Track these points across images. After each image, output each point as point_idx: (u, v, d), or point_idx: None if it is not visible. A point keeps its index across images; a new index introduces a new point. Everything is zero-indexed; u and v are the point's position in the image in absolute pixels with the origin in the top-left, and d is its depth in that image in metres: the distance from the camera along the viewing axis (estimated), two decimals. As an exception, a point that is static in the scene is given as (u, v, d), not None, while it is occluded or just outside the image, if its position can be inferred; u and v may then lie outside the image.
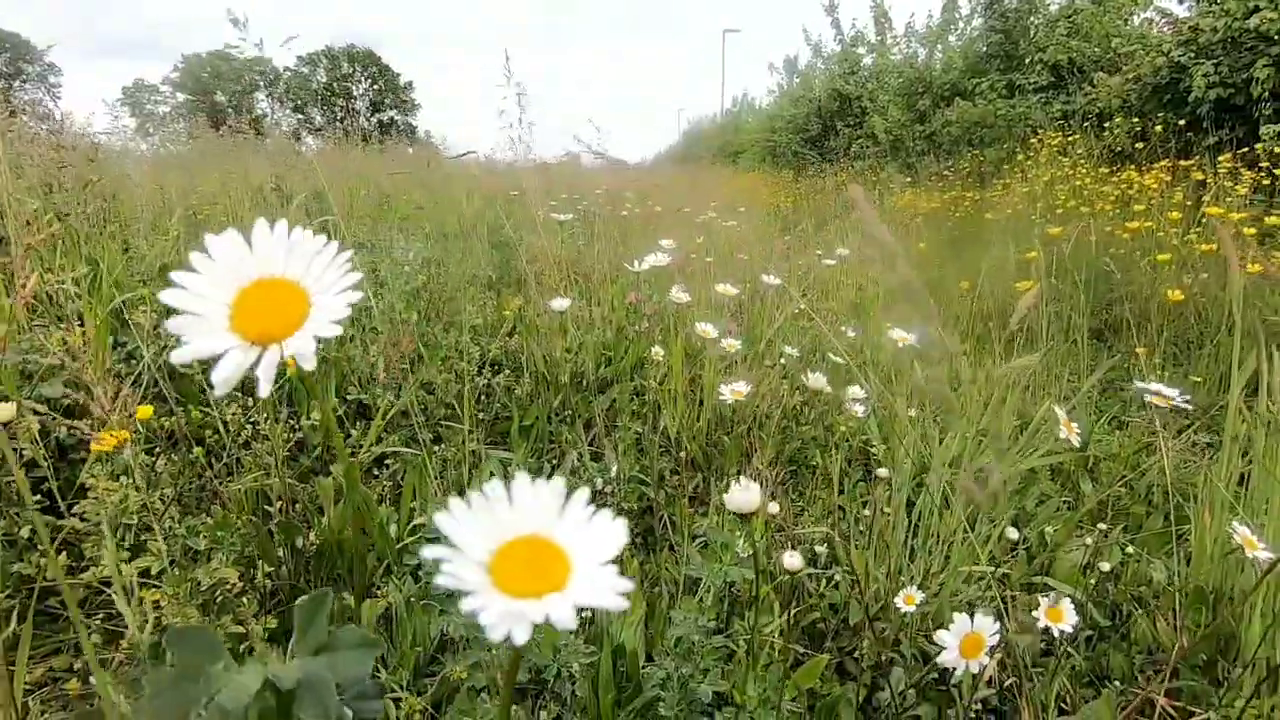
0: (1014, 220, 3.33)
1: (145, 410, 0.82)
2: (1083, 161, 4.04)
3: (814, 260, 2.79)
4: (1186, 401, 0.71)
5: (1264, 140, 3.35)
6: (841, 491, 1.37)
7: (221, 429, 1.18)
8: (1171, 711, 0.94)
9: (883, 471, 0.93)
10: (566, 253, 2.66)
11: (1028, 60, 6.33)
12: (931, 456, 1.26)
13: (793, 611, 0.92)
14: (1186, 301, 1.87)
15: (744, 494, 0.48)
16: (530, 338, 1.90)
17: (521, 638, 0.20)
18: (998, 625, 0.57)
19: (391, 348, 1.34)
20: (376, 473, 1.31)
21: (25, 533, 0.89)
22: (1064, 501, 1.55)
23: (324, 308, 0.27)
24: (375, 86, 33.36)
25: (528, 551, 0.24)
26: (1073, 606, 0.64)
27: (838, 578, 1.05)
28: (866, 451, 1.56)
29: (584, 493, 0.25)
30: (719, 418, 1.63)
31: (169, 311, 0.27)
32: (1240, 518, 0.93)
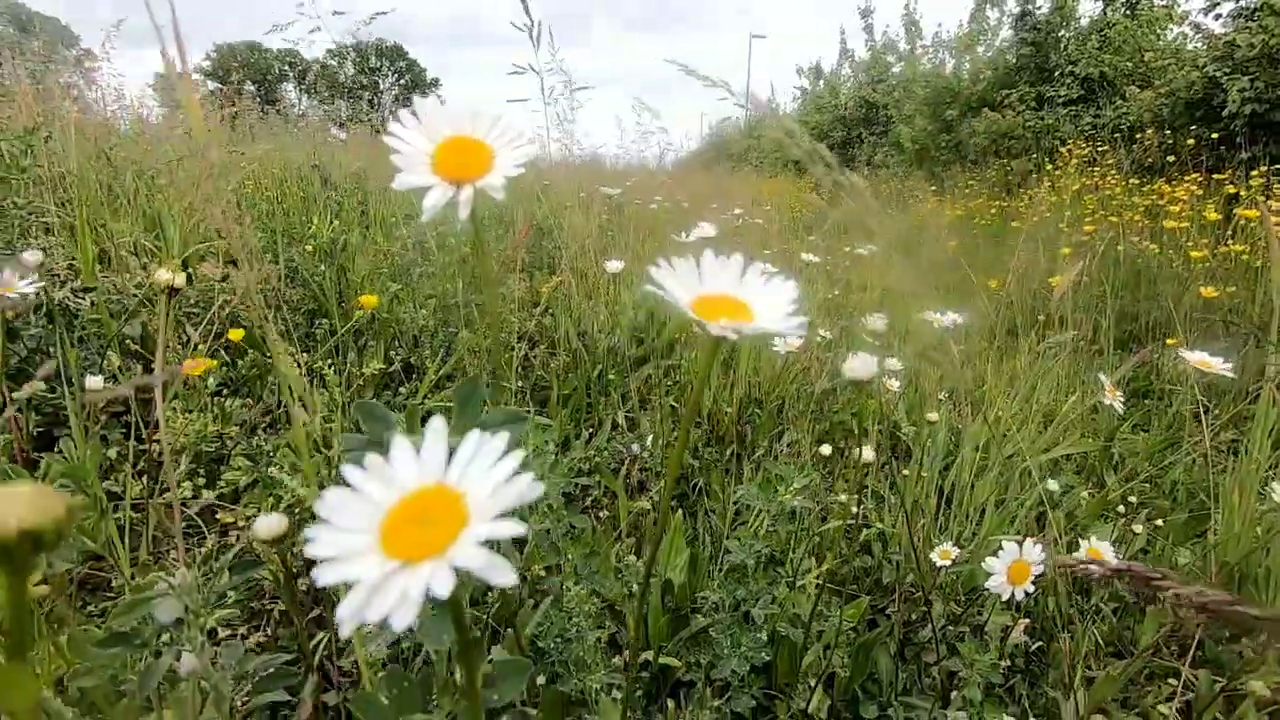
0: (1040, 227, 3.34)
1: (237, 333, 0.88)
2: (1112, 172, 4.04)
3: (842, 256, 2.82)
4: (1230, 369, 0.74)
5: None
6: (874, 472, 1.41)
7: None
8: (1191, 677, 0.97)
9: (931, 416, 0.96)
10: (599, 242, 2.71)
11: (1058, 73, 6.32)
12: (960, 439, 1.29)
13: (830, 562, 0.96)
14: (1215, 308, 1.89)
15: (861, 362, 0.52)
16: (566, 314, 1.95)
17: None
18: (1044, 556, 0.60)
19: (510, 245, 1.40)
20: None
21: (113, 453, 0.95)
22: (1089, 493, 1.58)
23: (506, 158, 0.32)
24: (402, 81, 33.71)
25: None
26: (1110, 549, 0.67)
27: (871, 541, 1.09)
28: (895, 435, 1.59)
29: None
30: (750, 398, 1.67)
31: (390, 151, 0.32)
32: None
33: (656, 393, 1.65)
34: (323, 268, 1.50)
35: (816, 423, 1.63)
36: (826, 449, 0.62)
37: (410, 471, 0.25)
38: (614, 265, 1.23)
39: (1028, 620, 1.08)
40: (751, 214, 3.89)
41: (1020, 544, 0.60)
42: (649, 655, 0.78)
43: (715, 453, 1.49)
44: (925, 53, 8.68)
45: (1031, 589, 0.61)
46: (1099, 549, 0.67)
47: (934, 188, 6.64)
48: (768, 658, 0.62)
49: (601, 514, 1.19)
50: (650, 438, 1.43)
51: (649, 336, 2.00)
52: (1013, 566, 0.60)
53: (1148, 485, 1.64)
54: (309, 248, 1.64)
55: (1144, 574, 0.30)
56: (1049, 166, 4.90)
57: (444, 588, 0.20)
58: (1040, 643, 1.03)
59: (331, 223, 1.81)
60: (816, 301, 1.92)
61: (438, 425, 0.26)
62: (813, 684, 0.77)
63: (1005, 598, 0.60)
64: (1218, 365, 0.73)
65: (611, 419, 1.48)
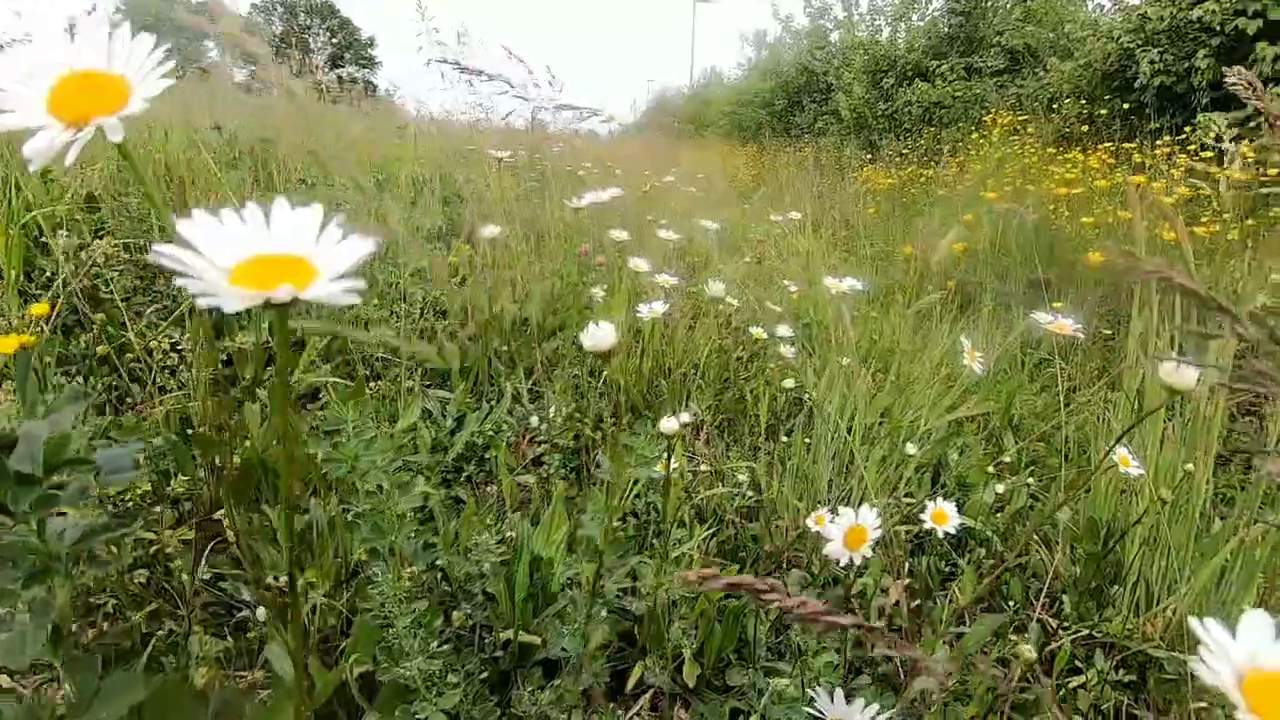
0: (964, 195, 3.42)
1: (41, 308, 0.80)
2: (1032, 141, 4.16)
3: (769, 225, 2.82)
4: (1079, 330, 0.75)
5: (1199, 127, 3.49)
6: (771, 439, 1.41)
7: (145, 355, 1.15)
8: (1059, 627, 1.02)
9: (789, 383, 0.96)
10: (521, 210, 2.63)
11: (986, 44, 6.43)
12: (857, 400, 1.31)
13: (708, 532, 0.95)
14: (1108, 266, 1.96)
15: (599, 331, 0.50)
16: (478, 286, 1.89)
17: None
18: (880, 521, 0.60)
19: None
20: (310, 406, 1.30)
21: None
22: (985, 453, 1.63)
23: (140, 92, 0.28)
24: (334, 40, 32.04)
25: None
26: (957, 512, 0.68)
27: (758, 508, 1.09)
28: (801, 401, 1.60)
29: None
30: (661, 366, 1.65)
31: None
32: (1128, 446, 0.99)
33: (563, 362, 1.62)
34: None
35: (725, 390, 1.63)
36: (672, 422, 0.60)
37: None
38: (489, 231, 1.18)
39: (908, 579, 1.10)
40: (684, 183, 3.86)
41: (856, 508, 0.60)
42: (509, 634, 0.76)
43: (619, 423, 1.47)
44: (862, 20, 8.72)
45: (870, 553, 0.60)
46: (944, 510, 0.68)
47: (869, 156, 6.73)
48: (602, 637, 0.61)
49: (488, 488, 1.16)
50: (553, 409, 1.40)
51: (563, 307, 1.96)
52: (849, 531, 0.59)
53: (1042, 444, 1.71)
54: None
55: (753, 586, 0.29)
56: (975, 135, 5.01)
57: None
58: (919, 601, 1.06)
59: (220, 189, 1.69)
60: (733, 270, 1.91)
61: None
62: (674, 655, 0.77)
63: (843, 563, 0.60)
64: (1069, 327, 0.74)
65: (513, 391, 1.44)
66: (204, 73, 5.38)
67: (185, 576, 0.77)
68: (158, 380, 1.15)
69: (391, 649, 0.56)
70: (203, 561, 0.82)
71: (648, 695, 0.75)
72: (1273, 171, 2.42)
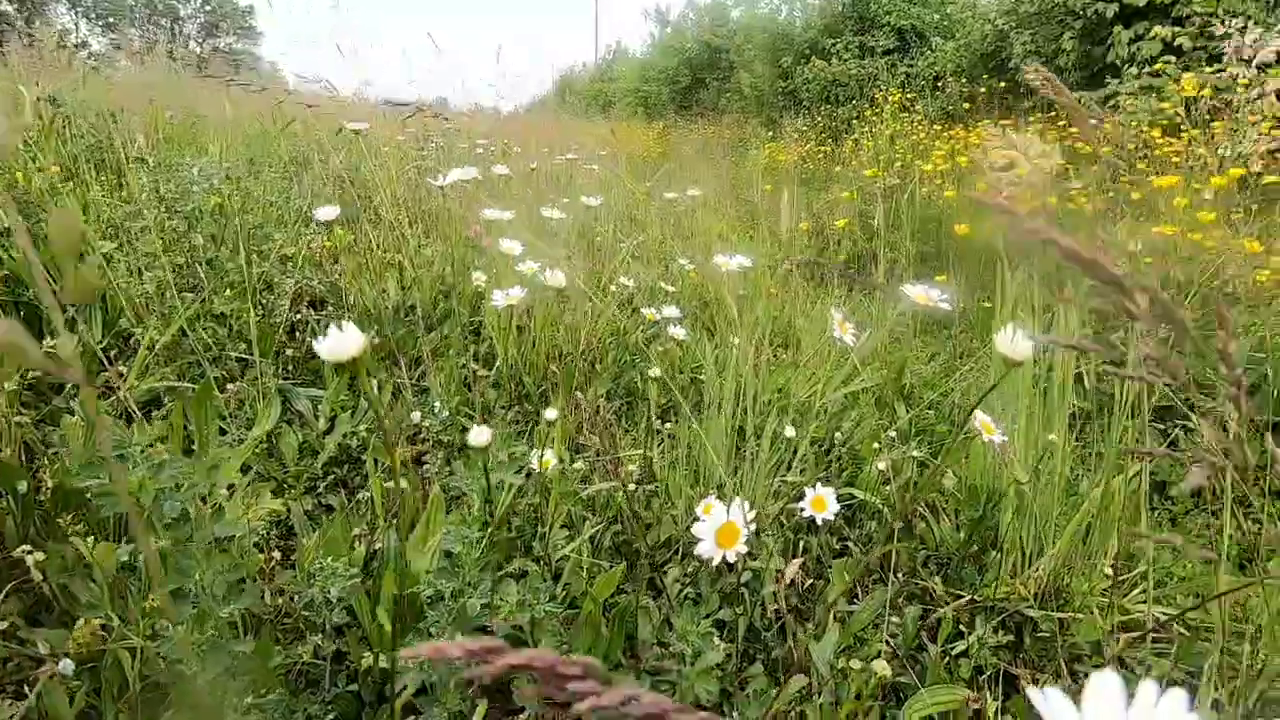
0: (857, 171, 3.51)
1: None
2: (920, 119, 4.32)
3: (671, 202, 2.79)
4: (945, 301, 0.75)
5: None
6: (665, 423, 1.38)
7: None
8: (945, 595, 1.04)
9: (655, 371, 0.93)
10: (411, 192, 2.48)
11: (877, 22, 6.63)
12: (748, 380, 1.29)
13: (597, 526, 0.91)
14: (977, 237, 2.05)
15: (341, 336, 0.44)
16: (360, 274, 1.76)
17: None
18: (753, 514, 0.57)
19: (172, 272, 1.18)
20: (153, 415, 1.16)
21: None
22: (879, 423, 1.66)
23: None
24: (208, 8, 29.46)
25: None
26: (834, 495, 0.66)
27: (650, 498, 1.05)
28: (695, 381, 1.59)
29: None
30: (557, 352, 1.59)
31: None
32: (997, 415, 1.02)
33: (450, 352, 1.53)
34: (6, 224, 1.21)
35: (622, 374, 1.59)
36: (483, 434, 0.55)
37: None
38: (324, 212, 1.07)
39: (802, 557, 1.11)
40: (586, 161, 3.76)
41: (727, 504, 0.57)
42: (369, 660, 0.69)
43: (508, 415, 1.41)
44: (761, -3, 8.80)
45: (744, 549, 0.57)
46: (822, 496, 0.66)
47: (771, 133, 6.82)
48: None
49: (364, 493, 1.07)
50: (438, 404, 1.32)
51: (454, 292, 1.85)
52: (720, 529, 0.56)
53: (931, 412, 1.77)
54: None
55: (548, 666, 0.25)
56: (869, 113, 5.17)
57: None
58: (813, 580, 1.06)
59: (38, 171, 1.48)
60: (630, 248, 1.86)
61: None
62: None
63: (715, 563, 0.56)
64: (936, 299, 0.73)
65: (393, 385, 1.34)
66: (31, 39, 4.80)
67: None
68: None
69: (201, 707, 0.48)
70: (-3, 609, 0.70)
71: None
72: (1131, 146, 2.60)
